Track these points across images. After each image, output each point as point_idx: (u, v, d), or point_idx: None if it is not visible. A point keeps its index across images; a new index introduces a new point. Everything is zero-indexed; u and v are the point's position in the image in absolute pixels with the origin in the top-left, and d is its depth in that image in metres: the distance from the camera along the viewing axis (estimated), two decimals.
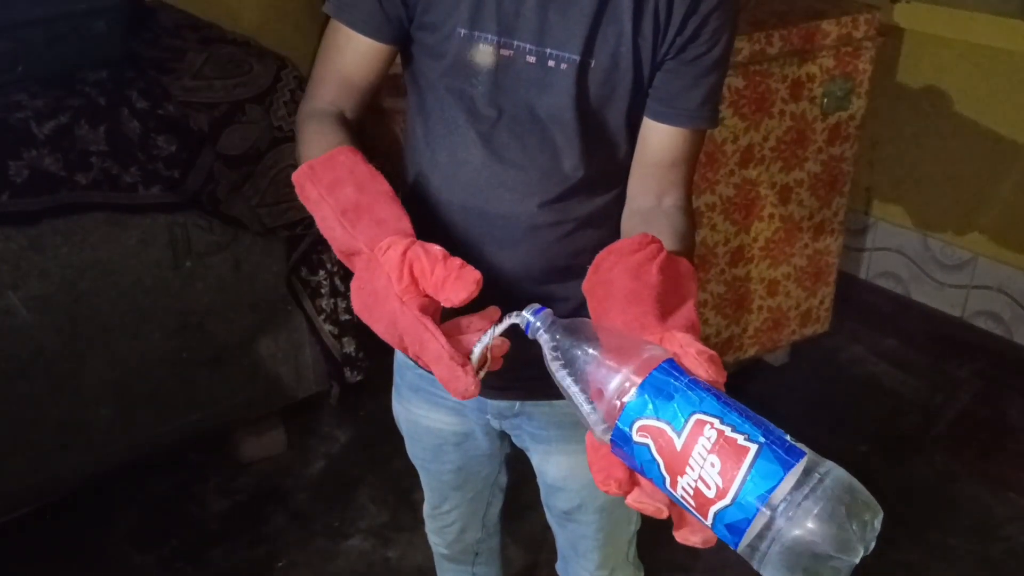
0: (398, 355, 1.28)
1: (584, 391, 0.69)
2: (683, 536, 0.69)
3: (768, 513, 0.60)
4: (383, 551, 2.06)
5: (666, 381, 0.66)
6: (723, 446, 0.62)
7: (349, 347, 2.22)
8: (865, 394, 2.57)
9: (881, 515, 0.61)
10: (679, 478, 0.64)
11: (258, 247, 2.03)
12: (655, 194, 1.04)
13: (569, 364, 0.70)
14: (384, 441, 2.24)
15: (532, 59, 0.98)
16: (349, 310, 2.20)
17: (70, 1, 1.78)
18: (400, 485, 2.20)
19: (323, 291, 2.15)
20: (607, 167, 1.06)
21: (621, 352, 0.69)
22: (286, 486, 2.23)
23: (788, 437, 0.63)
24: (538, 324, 0.73)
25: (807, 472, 0.61)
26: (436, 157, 1.06)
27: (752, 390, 2.51)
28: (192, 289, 1.98)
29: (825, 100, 2.16)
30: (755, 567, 0.62)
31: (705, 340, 2.23)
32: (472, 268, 0.76)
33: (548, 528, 1.38)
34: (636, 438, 0.66)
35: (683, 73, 1.00)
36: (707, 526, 0.64)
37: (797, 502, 0.60)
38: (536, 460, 1.27)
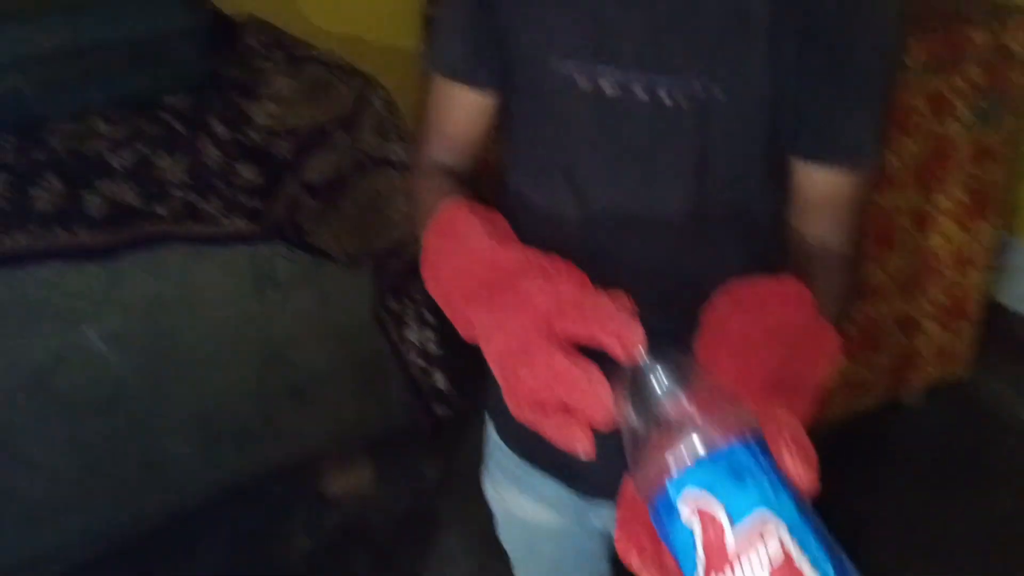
0: (491, 433, 1.15)
1: (646, 430, 0.58)
2: None
3: None
4: None
5: (745, 458, 0.54)
6: (784, 572, 0.50)
7: (438, 380, 2.11)
8: (1011, 441, 2.30)
9: None
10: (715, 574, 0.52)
11: (344, 277, 1.93)
12: (814, 236, 0.88)
13: (641, 393, 0.59)
14: (474, 480, 2.10)
15: (641, 92, 0.83)
16: (438, 342, 2.09)
17: (152, 23, 1.71)
18: (489, 531, 2.04)
19: (411, 322, 2.04)
20: (737, 221, 0.89)
21: (707, 404, 0.57)
22: (372, 525, 2.13)
23: None
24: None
25: None
26: (530, 212, 0.92)
27: (881, 433, 2.28)
28: (276, 321, 1.89)
29: (973, 117, 1.91)
30: None
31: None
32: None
33: None
34: (683, 515, 0.54)
35: (835, 101, 0.82)
36: None
37: None
38: None
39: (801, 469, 0.56)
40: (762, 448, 0.56)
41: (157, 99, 1.72)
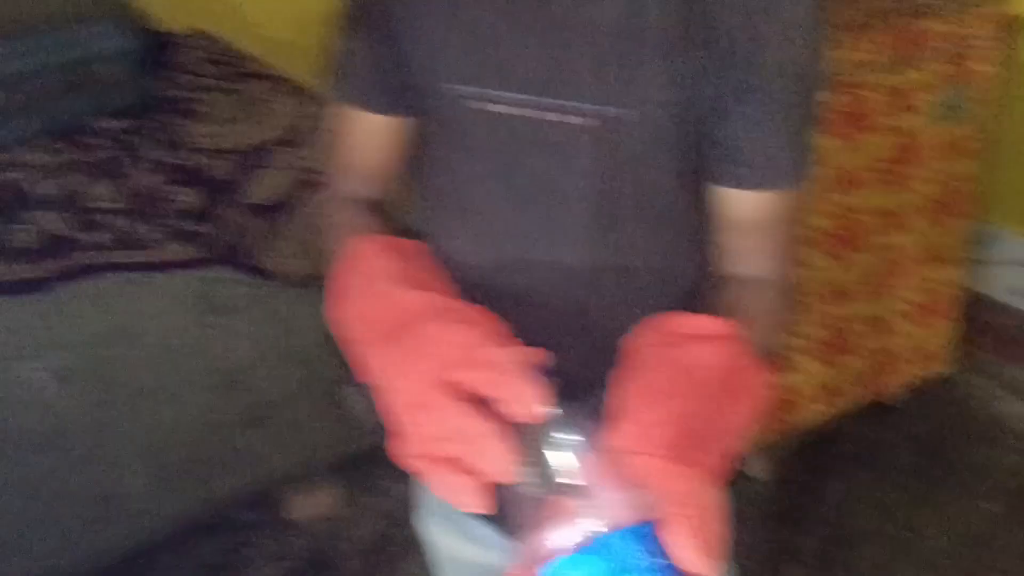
0: None
1: (539, 495, 0.56)
2: None
3: None
4: None
5: (625, 552, 0.51)
6: None
7: None
8: (994, 439, 2.24)
9: None
10: None
11: (296, 298, 1.87)
12: (741, 264, 0.83)
13: (538, 456, 0.57)
14: None
15: (537, 114, 0.77)
16: None
17: (83, 47, 1.65)
18: None
19: None
20: (651, 256, 0.84)
21: (603, 478, 0.55)
22: (340, 549, 2.08)
23: None
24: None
25: None
26: (436, 256, 0.87)
27: (862, 436, 2.22)
28: (227, 347, 1.84)
29: (937, 111, 1.85)
30: None
31: (796, 389, 1.98)
32: None
33: None
34: None
35: (751, 119, 0.76)
36: None
37: None
38: None
39: (694, 559, 0.53)
40: (648, 534, 0.53)
41: (89, 124, 1.66)
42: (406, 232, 0.88)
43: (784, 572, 1.91)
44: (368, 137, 0.89)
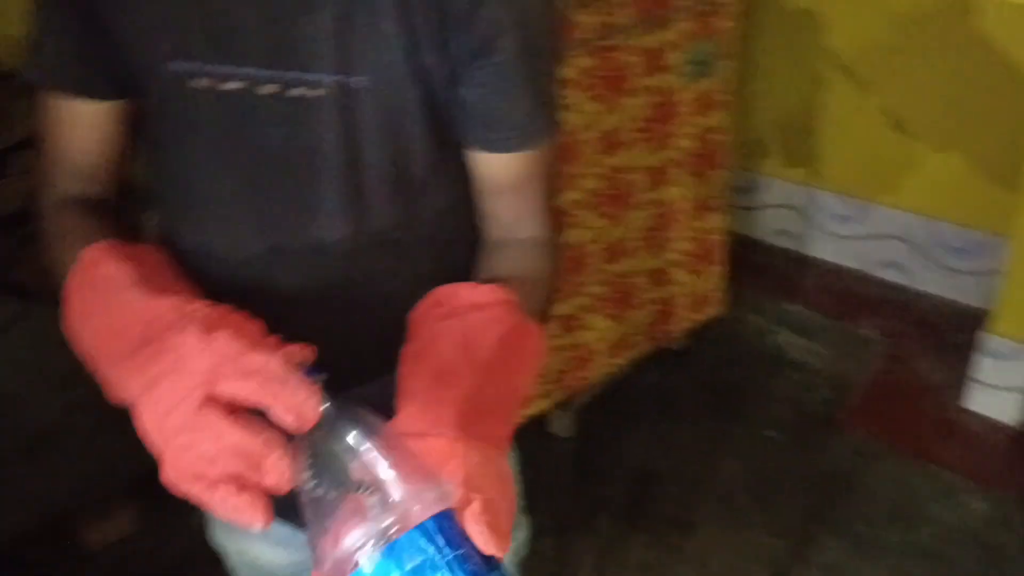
0: None
1: (328, 499, 0.53)
2: None
3: None
4: None
5: (419, 552, 0.50)
6: None
7: None
8: (770, 370, 2.40)
9: None
10: None
11: (57, 315, 1.73)
12: (505, 226, 0.83)
13: (321, 459, 0.54)
14: None
15: (269, 89, 0.74)
16: None
17: None
18: None
19: None
20: (411, 228, 0.82)
21: (391, 475, 0.53)
22: (141, 571, 1.96)
23: None
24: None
25: None
26: (179, 254, 0.81)
27: (651, 383, 2.33)
28: None
29: (686, 68, 1.94)
30: None
31: (588, 346, 2.04)
32: None
33: None
34: None
35: (490, 81, 0.75)
36: None
37: None
38: None
39: (488, 540, 0.54)
40: (446, 523, 0.52)
41: None
42: (140, 231, 0.83)
43: (594, 524, 1.97)
44: (79, 127, 0.81)
